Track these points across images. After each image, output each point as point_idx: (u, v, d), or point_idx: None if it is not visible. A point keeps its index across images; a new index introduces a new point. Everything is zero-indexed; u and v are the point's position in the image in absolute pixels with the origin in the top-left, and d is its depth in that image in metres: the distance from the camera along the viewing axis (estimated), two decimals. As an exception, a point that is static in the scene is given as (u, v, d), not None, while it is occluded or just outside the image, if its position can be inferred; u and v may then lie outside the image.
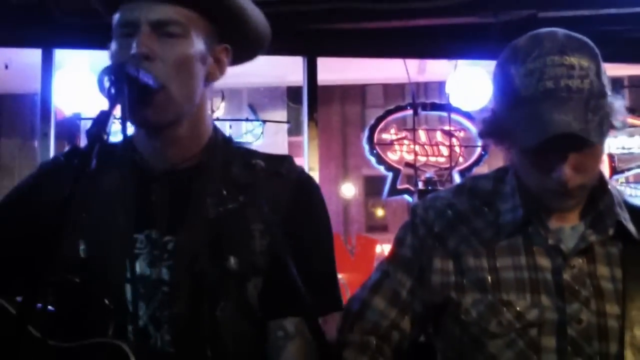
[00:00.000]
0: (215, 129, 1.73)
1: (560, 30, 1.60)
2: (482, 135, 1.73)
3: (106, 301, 1.52)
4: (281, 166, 1.70)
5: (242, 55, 1.77)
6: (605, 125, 1.56)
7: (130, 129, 1.61)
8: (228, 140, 1.76)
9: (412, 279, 1.77)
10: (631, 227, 1.68)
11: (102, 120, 1.32)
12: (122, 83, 1.40)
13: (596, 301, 1.62)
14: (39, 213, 1.53)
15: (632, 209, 1.73)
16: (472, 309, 1.67)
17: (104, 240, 1.57)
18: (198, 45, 1.61)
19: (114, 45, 1.60)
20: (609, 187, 1.72)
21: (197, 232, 1.58)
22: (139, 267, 1.57)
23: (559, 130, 1.48)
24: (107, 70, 1.43)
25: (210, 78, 1.68)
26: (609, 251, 1.68)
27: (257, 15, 1.72)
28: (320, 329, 1.51)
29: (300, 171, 1.74)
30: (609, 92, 1.58)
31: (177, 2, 1.57)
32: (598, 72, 1.55)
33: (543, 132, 1.49)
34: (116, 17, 1.60)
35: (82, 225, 1.57)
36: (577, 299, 1.62)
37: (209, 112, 1.75)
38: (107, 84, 1.40)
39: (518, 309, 1.63)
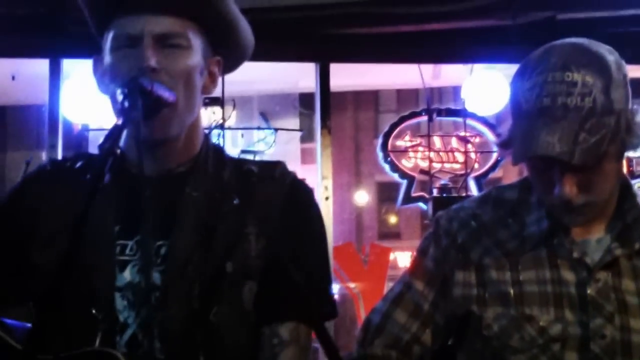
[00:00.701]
0: (207, 137, 1.73)
1: (575, 43, 1.59)
2: (499, 145, 1.73)
3: (93, 311, 1.50)
4: (274, 171, 1.70)
5: (227, 66, 1.77)
6: (605, 145, 1.52)
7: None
8: (219, 148, 1.77)
9: (435, 292, 1.76)
10: None
11: (115, 134, 1.31)
12: (135, 96, 1.38)
13: (620, 316, 1.60)
14: (20, 223, 1.55)
15: None
16: (494, 323, 1.65)
17: (91, 248, 1.52)
18: (197, 56, 1.62)
19: (111, 59, 1.59)
20: (638, 200, 1.69)
21: (190, 236, 1.56)
22: (129, 274, 1.55)
23: (540, 151, 1.49)
24: (120, 84, 1.43)
25: (204, 91, 1.68)
26: (635, 265, 1.64)
27: (245, 26, 1.73)
28: (328, 335, 1.45)
29: (293, 176, 1.72)
30: (621, 107, 1.54)
31: (177, 14, 1.58)
32: (606, 88, 1.51)
33: (528, 151, 1.52)
34: (114, 30, 1.60)
35: (68, 233, 1.52)
36: (601, 313, 1.60)
37: (201, 121, 1.76)
38: (120, 97, 1.39)
39: (541, 323, 1.61)
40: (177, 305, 1.52)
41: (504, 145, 1.68)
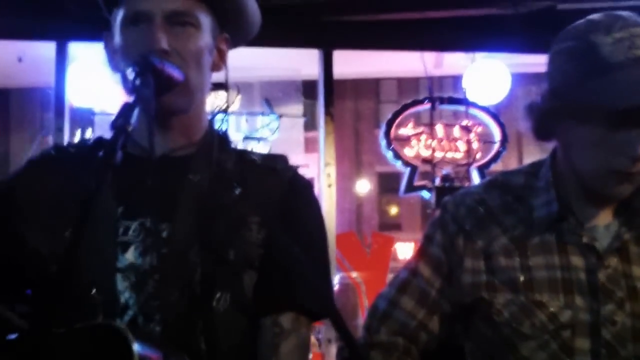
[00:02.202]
0: (211, 124, 1.74)
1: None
2: (540, 117, 1.67)
3: (93, 292, 1.47)
4: (276, 164, 1.70)
5: (233, 42, 1.77)
6: None
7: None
8: (224, 136, 1.75)
9: (441, 279, 1.74)
10: None
11: (126, 112, 1.30)
12: (147, 75, 1.39)
13: (631, 302, 1.59)
14: (18, 206, 1.55)
15: None
16: (504, 309, 1.64)
17: (92, 229, 1.47)
18: (206, 35, 1.62)
19: (121, 37, 1.59)
20: None
21: (192, 221, 1.56)
22: (131, 255, 1.53)
23: None
24: (131, 63, 1.42)
25: (214, 69, 1.69)
26: None
27: (252, 3, 1.72)
28: (346, 325, 1.42)
29: (295, 170, 1.72)
30: None
31: None
32: None
33: (635, 96, 1.48)
34: (124, 7, 1.59)
35: (69, 215, 1.49)
36: (612, 299, 1.59)
37: (207, 104, 1.76)
38: (131, 75, 1.39)
39: (551, 309, 1.60)
40: (178, 291, 1.51)
41: (547, 115, 1.65)
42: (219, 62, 1.70)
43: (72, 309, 1.42)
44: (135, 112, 1.52)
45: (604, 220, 1.66)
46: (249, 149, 1.82)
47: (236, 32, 1.73)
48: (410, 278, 1.78)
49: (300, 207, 1.67)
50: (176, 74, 1.50)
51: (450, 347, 1.82)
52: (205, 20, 1.61)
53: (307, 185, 1.73)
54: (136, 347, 1.26)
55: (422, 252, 1.80)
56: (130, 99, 1.34)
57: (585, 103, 1.55)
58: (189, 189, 1.58)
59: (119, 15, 1.59)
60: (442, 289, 1.74)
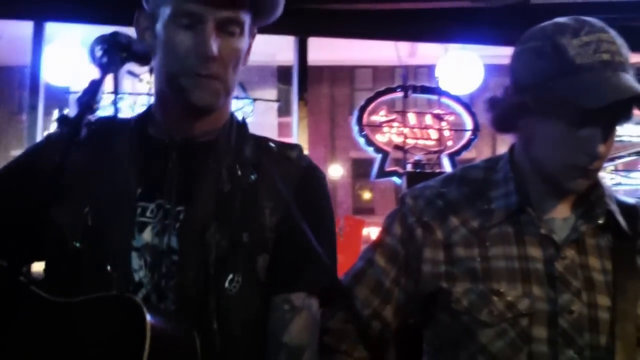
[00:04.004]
0: (232, 112, 1.76)
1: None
2: (502, 111, 1.72)
3: (108, 268, 1.51)
4: (292, 152, 1.73)
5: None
6: None
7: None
8: (243, 123, 1.77)
9: (397, 269, 1.76)
10: (621, 220, 1.69)
11: (92, 89, 1.32)
12: (115, 52, 1.40)
13: (587, 292, 1.62)
14: (36, 181, 1.49)
15: (620, 203, 1.75)
16: (463, 298, 1.65)
17: (111, 208, 1.57)
18: (246, 40, 1.64)
19: (167, 34, 1.58)
20: (600, 179, 1.72)
21: (209, 204, 1.59)
22: (147, 235, 1.57)
23: (632, 93, 1.52)
24: (100, 40, 1.42)
25: (244, 63, 1.69)
26: (600, 243, 1.68)
27: None
28: (355, 307, 1.55)
29: (309, 160, 1.76)
30: None
31: (240, 4, 1.59)
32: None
33: (616, 93, 1.51)
34: (173, 3, 1.56)
35: (90, 192, 1.58)
36: (569, 289, 1.61)
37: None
38: (99, 53, 1.40)
39: (509, 298, 1.61)
40: (193, 271, 1.53)
41: (509, 110, 1.69)
42: (247, 57, 1.70)
43: (87, 283, 1.50)
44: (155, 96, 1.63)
45: (562, 213, 1.70)
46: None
47: (263, 22, 1.72)
48: (365, 267, 1.80)
49: (313, 195, 1.70)
50: (141, 49, 1.49)
51: (405, 337, 1.86)
52: (247, 22, 1.62)
53: (320, 176, 1.76)
54: (148, 317, 1.31)
55: (379, 243, 1.82)
56: (97, 75, 1.35)
57: (551, 100, 1.59)
58: (208, 173, 1.62)
59: (166, 9, 1.58)
60: (397, 280, 1.76)
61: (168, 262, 1.55)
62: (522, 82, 1.65)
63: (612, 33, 1.59)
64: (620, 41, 1.59)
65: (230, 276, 1.55)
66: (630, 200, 1.80)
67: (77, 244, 1.54)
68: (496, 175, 1.75)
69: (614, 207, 1.71)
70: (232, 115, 1.74)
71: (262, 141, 1.74)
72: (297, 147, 1.76)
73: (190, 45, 1.55)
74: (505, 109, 1.70)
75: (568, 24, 1.61)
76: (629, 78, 1.55)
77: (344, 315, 1.77)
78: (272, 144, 1.73)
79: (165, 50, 1.59)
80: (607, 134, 1.59)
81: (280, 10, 1.68)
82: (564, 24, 1.62)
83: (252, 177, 1.65)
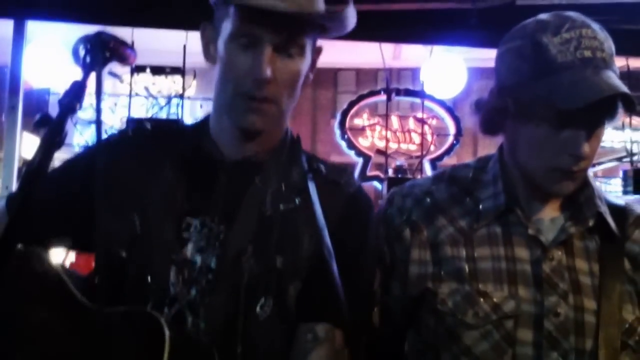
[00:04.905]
0: (287, 128, 1.72)
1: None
2: (487, 113, 1.69)
3: (148, 279, 1.51)
4: (341, 177, 1.70)
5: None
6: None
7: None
8: (296, 140, 1.74)
9: (383, 271, 1.74)
10: (610, 221, 1.67)
11: (75, 90, 1.28)
12: (98, 52, 1.36)
13: (574, 295, 1.60)
14: (97, 186, 1.46)
15: (610, 204, 1.73)
16: (449, 299, 1.64)
17: (158, 220, 1.56)
18: (307, 61, 1.61)
19: (226, 52, 1.56)
20: (590, 180, 1.72)
21: (250, 226, 1.57)
22: (188, 251, 1.56)
23: (611, 91, 1.49)
24: (83, 39, 1.38)
25: (306, 82, 1.66)
26: (587, 245, 1.66)
27: (352, 12, 1.65)
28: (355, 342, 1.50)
29: (358, 186, 1.72)
30: None
31: (301, 27, 1.55)
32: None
33: (595, 92, 1.49)
34: (235, 21, 1.54)
35: (140, 202, 1.57)
36: (556, 292, 1.60)
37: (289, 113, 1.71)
38: (82, 52, 1.36)
39: (495, 300, 1.60)
40: (225, 291, 1.53)
41: (493, 112, 1.67)
42: (310, 74, 1.66)
43: (127, 292, 1.51)
44: (222, 118, 1.61)
45: (550, 214, 1.69)
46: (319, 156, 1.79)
47: (331, 36, 1.67)
48: None
49: (356, 226, 1.66)
50: (128, 51, 1.44)
51: (390, 340, 1.83)
52: (309, 43, 1.59)
53: (367, 205, 1.72)
54: (167, 333, 1.33)
55: None
56: (80, 76, 1.31)
57: (532, 102, 1.57)
58: (253, 195, 1.60)
59: (228, 26, 1.56)
60: (383, 282, 1.74)
61: (203, 280, 1.54)
62: (503, 84, 1.64)
63: (595, 27, 1.57)
64: (602, 35, 1.56)
65: (262, 301, 1.54)
66: (620, 201, 1.78)
67: (123, 253, 1.53)
68: (485, 175, 1.74)
69: (604, 209, 1.68)
70: (287, 133, 1.71)
71: (313, 162, 1.70)
72: (346, 172, 1.73)
73: (246, 67, 1.52)
74: (490, 111, 1.68)
75: (549, 21, 1.59)
76: (610, 75, 1.52)
77: None
78: (322, 167, 1.70)
79: (223, 68, 1.57)
80: (591, 133, 1.56)
81: (351, 27, 1.63)
82: (545, 21, 1.60)
83: (297, 201, 1.62)
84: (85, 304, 1.43)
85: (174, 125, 1.77)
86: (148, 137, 1.69)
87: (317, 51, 1.66)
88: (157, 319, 1.37)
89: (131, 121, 1.43)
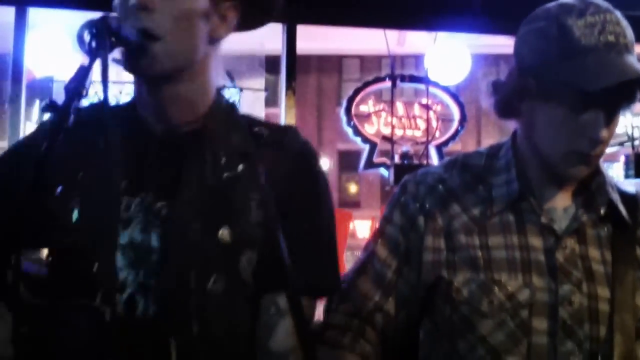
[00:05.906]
0: (219, 94, 1.65)
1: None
2: (506, 95, 1.67)
3: (95, 267, 1.44)
4: (284, 136, 1.62)
5: (251, 18, 1.67)
6: None
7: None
8: (232, 106, 1.67)
9: (398, 260, 1.73)
10: (622, 209, 1.67)
11: (81, 75, 1.27)
12: (104, 36, 1.33)
13: (587, 283, 1.60)
14: (27, 171, 1.41)
15: (621, 192, 1.73)
16: (464, 287, 1.63)
17: (97, 203, 1.48)
18: (201, 0, 1.52)
19: None
20: (601, 167, 1.71)
21: (192, 199, 1.50)
22: (131, 232, 1.49)
23: (636, 74, 1.50)
24: (88, 24, 1.35)
25: (214, 35, 1.57)
26: (600, 233, 1.66)
27: None
28: (300, 307, 1.45)
29: (303, 142, 1.65)
30: None
31: None
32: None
33: (619, 75, 1.50)
34: None
35: (76, 185, 1.50)
36: (570, 280, 1.60)
37: (214, 74, 1.64)
38: (87, 37, 1.33)
39: (509, 289, 1.60)
40: (172, 271, 1.46)
41: (512, 94, 1.66)
42: (221, 29, 1.58)
43: (73, 282, 1.44)
44: (134, 85, 1.55)
45: (563, 202, 1.68)
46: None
47: (253, 3, 1.63)
48: (367, 259, 1.78)
49: (306, 183, 1.61)
50: (133, 37, 1.43)
51: (405, 330, 1.81)
52: None
53: (314, 160, 1.66)
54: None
55: (379, 233, 1.79)
56: (86, 61, 1.29)
57: (553, 83, 1.56)
58: (191, 166, 1.54)
59: None
60: (399, 271, 1.73)
61: (150, 260, 1.48)
62: (525, 64, 1.63)
63: (618, 14, 1.57)
64: (625, 23, 1.56)
65: (214, 277, 1.47)
66: (632, 188, 1.77)
67: (63, 241, 1.46)
68: (498, 162, 1.73)
69: (616, 196, 1.68)
70: (219, 97, 1.64)
71: (253, 126, 1.63)
72: (291, 129, 1.66)
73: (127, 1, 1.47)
74: (509, 92, 1.66)
75: (573, 4, 1.58)
76: (632, 60, 1.52)
77: (346, 309, 1.74)
78: (263, 130, 1.62)
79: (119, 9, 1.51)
80: (610, 118, 1.56)
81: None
82: (570, 4, 1.59)
83: (239, 168, 1.55)
84: (28, 299, 1.41)
85: (108, 105, 1.61)
86: (83, 118, 1.53)
87: (230, 7, 1.58)
88: (99, 311, 1.36)
89: (49, 108, 1.36)
